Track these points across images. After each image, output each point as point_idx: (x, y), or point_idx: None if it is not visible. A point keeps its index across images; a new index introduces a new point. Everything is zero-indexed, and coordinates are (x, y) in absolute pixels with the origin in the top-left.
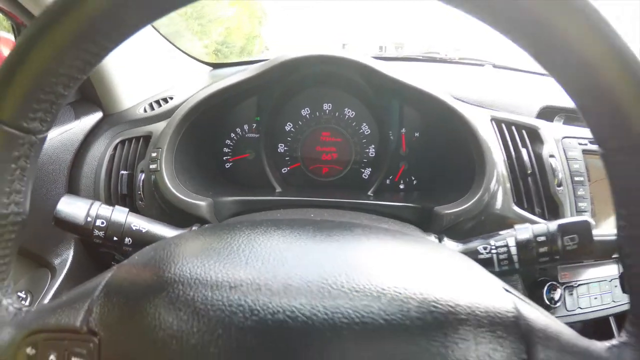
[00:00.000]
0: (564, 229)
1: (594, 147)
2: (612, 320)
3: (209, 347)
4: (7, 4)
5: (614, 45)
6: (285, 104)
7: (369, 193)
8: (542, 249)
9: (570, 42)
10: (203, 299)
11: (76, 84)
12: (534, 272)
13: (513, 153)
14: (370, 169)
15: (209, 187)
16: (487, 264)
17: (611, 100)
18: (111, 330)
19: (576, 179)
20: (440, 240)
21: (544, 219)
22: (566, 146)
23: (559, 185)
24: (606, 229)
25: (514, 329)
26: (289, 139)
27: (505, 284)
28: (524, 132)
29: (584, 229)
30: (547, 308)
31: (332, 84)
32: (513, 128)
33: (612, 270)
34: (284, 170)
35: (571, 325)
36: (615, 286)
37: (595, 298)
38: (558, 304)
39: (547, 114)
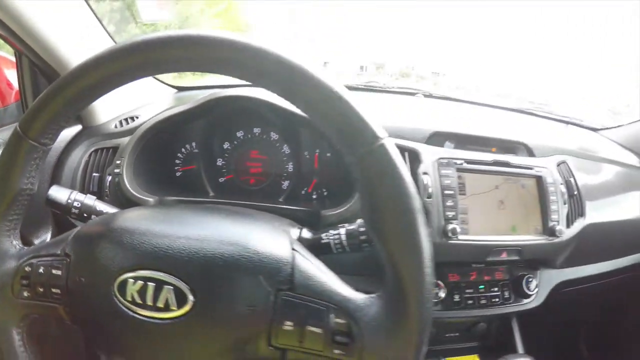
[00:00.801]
0: (361, 224)
1: (469, 166)
2: (513, 322)
3: (133, 266)
4: (9, 35)
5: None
6: (224, 127)
7: (280, 200)
8: (363, 237)
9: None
10: (134, 239)
11: (73, 118)
12: None
13: None
14: (288, 181)
15: (161, 189)
16: (327, 247)
17: (342, 121)
18: (78, 254)
19: (446, 192)
20: (301, 230)
21: None
22: (441, 165)
23: (429, 197)
24: (477, 235)
25: (284, 270)
26: (226, 155)
27: (298, 246)
28: (406, 154)
29: None
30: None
31: (257, 114)
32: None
33: (501, 274)
34: (221, 179)
35: (466, 322)
36: (505, 289)
37: (483, 299)
38: (438, 299)
39: (437, 138)
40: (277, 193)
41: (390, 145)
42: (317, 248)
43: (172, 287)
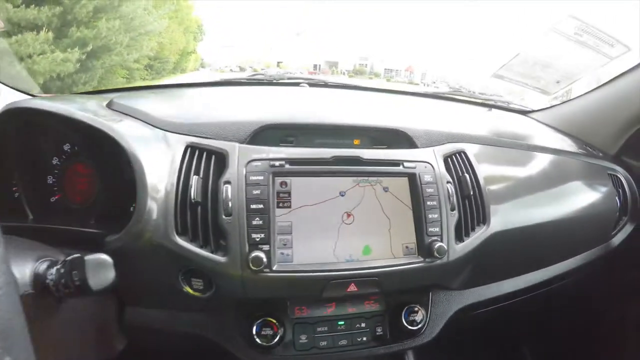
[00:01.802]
0: (72, 263)
1: (295, 167)
2: (408, 356)
3: None
4: None
5: None
6: (49, 141)
7: (92, 222)
8: (62, 280)
9: None
10: None
11: None
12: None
13: (189, 181)
14: (112, 197)
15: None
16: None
17: None
18: None
19: (253, 207)
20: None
21: (211, 250)
22: (250, 170)
23: (228, 215)
24: (306, 263)
25: None
26: (55, 171)
27: None
28: (213, 158)
29: (79, 266)
30: (266, 348)
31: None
32: (204, 154)
33: (373, 304)
34: (52, 199)
35: None
36: (378, 325)
37: (343, 340)
38: (273, 343)
39: (269, 134)
40: (97, 211)
41: None
42: (45, 290)
43: None
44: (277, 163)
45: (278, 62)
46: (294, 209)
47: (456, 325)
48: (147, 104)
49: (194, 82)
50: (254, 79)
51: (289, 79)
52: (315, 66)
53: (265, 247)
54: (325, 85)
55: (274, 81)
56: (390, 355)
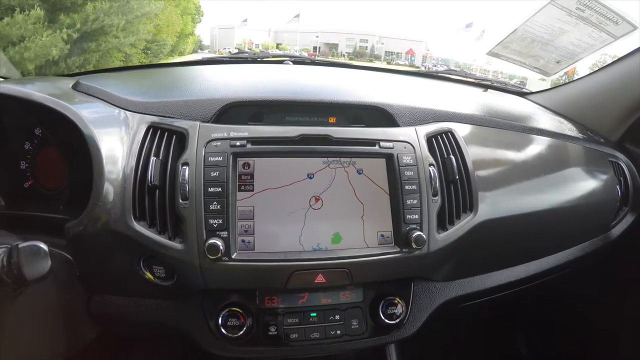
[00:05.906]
0: (10, 253)
1: (258, 147)
2: (390, 349)
3: None
4: None
5: None
6: (21, 126)
7: (60, 207)
8: (4, 270)
9: None
10: None
11: None
12: None
13: (150, 163)
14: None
15: None
16: None
17: None
18: None
19: (210, 190)
20: None
21: (168, 237)
22: (209, 151)
23: (184, 199)
24: (269, 251)
25: None
26: (28, 156)
27: None
28: (174, 137)
29: (15, 255)
30: (233, 340)
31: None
32: (165, 134)
33: (349, 296)
34: (26, 185)
35: None
36: (353, 318)
37: (315, 332)
38: (240, 334)
39: (235, 112)
40: (66, 197)
41: None
42: None
43: None
44: (237, 143)
45: (278, 44)
46: (256, 193)
47: (443, 317)
48: (113, 84)
49: (174, 61)
50: (237, 57)
51: (273, 56)
52: (315, 48)
53: (224, 234)
54: (312, 62)
55: (258, 59)
56: (371, 348)
